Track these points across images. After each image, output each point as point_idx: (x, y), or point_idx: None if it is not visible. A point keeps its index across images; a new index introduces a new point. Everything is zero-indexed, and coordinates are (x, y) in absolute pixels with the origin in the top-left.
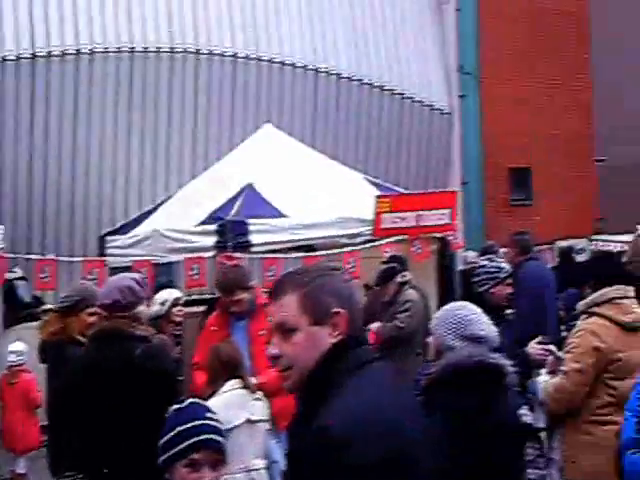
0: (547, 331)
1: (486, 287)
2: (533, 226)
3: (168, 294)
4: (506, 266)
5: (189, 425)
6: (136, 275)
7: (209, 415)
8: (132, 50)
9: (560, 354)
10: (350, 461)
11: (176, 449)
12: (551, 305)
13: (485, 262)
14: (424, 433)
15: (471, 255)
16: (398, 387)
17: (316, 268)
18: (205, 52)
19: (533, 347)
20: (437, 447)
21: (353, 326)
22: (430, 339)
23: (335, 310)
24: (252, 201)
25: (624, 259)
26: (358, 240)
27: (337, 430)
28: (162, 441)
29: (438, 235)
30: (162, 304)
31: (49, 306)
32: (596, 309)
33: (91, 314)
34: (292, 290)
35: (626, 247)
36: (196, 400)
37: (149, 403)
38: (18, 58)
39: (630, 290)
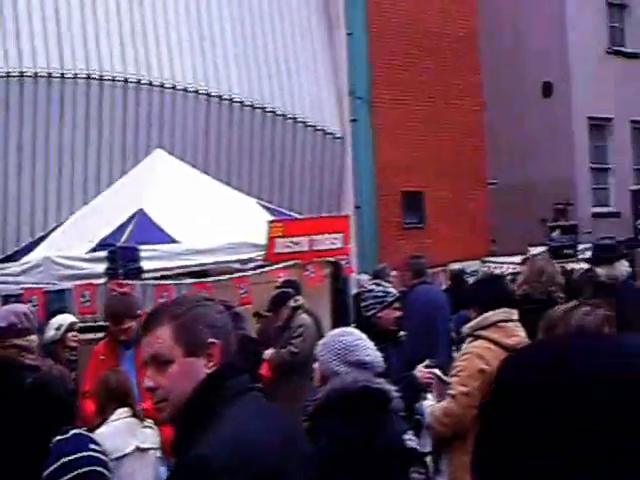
0: (438, 353)
1: (373, 311)
2: (427, 248)
3: (63, 319)
4: (393, 290)
5: (73, 457)
6: (25, 307)
7: (93, 447)
8: (22, 75)
9: (445, 378)
10: None
11: None
12: (443, 327)
13: (372, 287)
14: (304, 463)
15: (364, 278)
16: (276, 416)
17: (190, 299)
18: (96, 77)
19: (420, 370)
20: (323, 474)
21: (228, 356)
22: (316, 365)
23: (210, 341)
24: (143, 227)
25: (520, 279)
26: (250, 265)
27: (210, 460)
28: (47, 472)
29: (331, 259)
30: (57, 329)
31: None
32: (482, 332)
33: None
34: (166, 322)
35: (518, 268)
36: (80, 431)
37: (38, 432)
38: None
39: (514, 313)
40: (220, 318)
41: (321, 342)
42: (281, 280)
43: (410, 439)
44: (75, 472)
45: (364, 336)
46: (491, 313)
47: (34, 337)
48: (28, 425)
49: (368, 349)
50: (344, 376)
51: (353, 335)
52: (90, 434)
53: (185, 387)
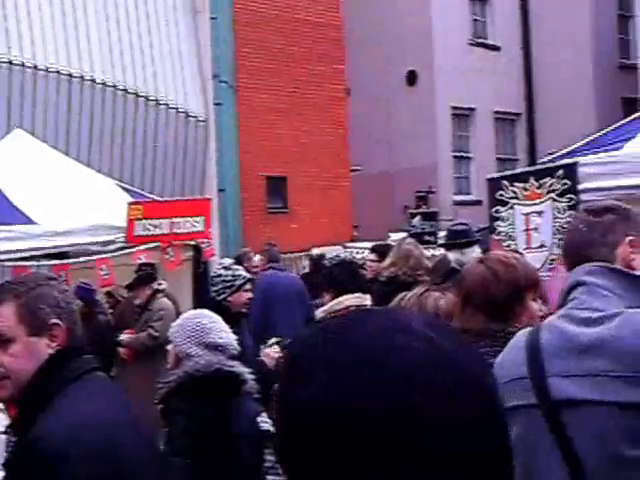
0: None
1: (223, 296)
2: (291, 234)
3: None
4: (242, 273)
5: None
6: None
7: None
8: None
9: None
10: (60, 476)
11: None
12: (284, 311)
13: (221, 271)
14: (147, 447)
15: (227, 262)
16: (119, 397)
17: (34, 278)
18: None
19: (266, 354)
20: (175, 455)
21: (72, 336)
22: (169, 347)
23: (53, 321)
24: (0, 207)
25: (387, 262)
26: (111, 247)
27: (47, 442)
28: None
29: (192, 242)
30: None
31: None
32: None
33: None
34: (9, 300)
35: (370, 255)
36: None
37: None
38: None
39: (367, 298)
40: (63, 298)
41: (175, 324)
42: (139, 263)
43: (264, 421)
44: None
45: (219, 318)
46: (343, 298)
47: None
48: None
49: (222, 332)
50: (197, 358)
51: (208, 317)
52: None
53: (27, 367)
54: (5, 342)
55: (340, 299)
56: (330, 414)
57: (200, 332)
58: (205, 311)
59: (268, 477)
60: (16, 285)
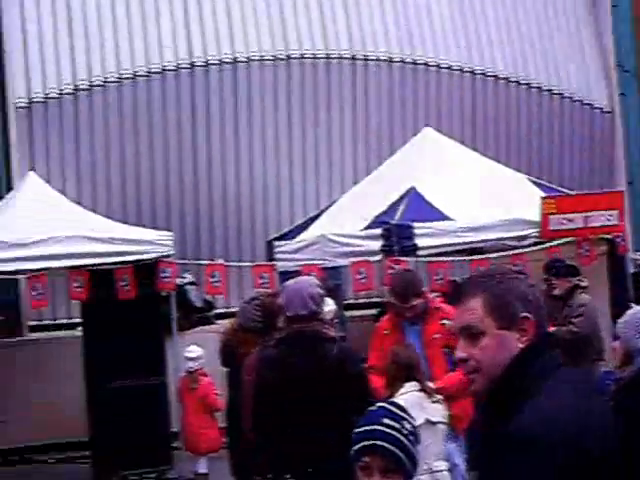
0: None
1: None
2: None
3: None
4: None
5: (362, 429)
6: (315, 285)
7: (386, 421)
8: (288, 57)
9: None
10: (549, 462)
11: (351, 451)
12: None
13: None
14: (616, 439)
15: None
16: (591, 391)
17: (501, 271)
18: (360, 58)
19: None
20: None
21: (540, 331)
22: (616, 343)
23: (523, 315)
24: (416, 205)
25: None
26: (525, 243)
27: (533, 432)
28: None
29: (607, 237)
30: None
31: (220, 310)
32: None
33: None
34: (478, 293)
35: None
36: (384, 404)
37: (342, 402)
38: (177, 68)
39: None
40: (532, 292)
41: (622, 320)
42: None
43: None
44: (361, 444)
45: None
46: None
47: (330, 309)
48: (333, 395)
49: None
50: None
51: None
52: (394, 409)
53: (498, 360)
54: (475, 335)
55: None
56: None
57: None
58: None
59: None
60: (484, 279)
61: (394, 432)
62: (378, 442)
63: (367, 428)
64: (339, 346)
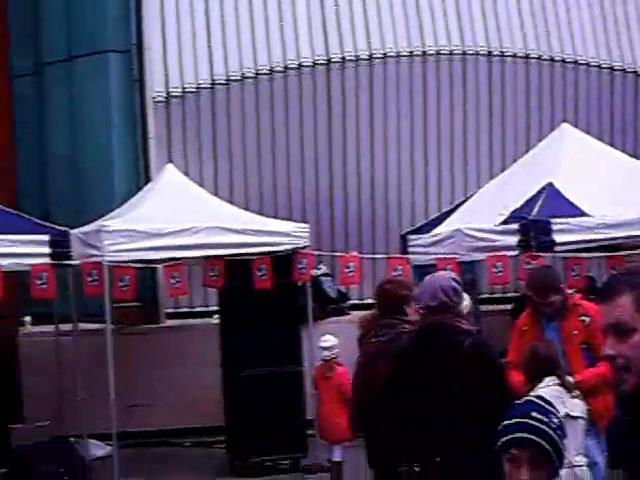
0: None
1: None
2: None
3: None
4: None
5: (511, 422)
6: (451, 280)
7: (534, 415)
8: (424, 53)
9: None
10: None
11: (499, 443)
12: None
13: None
14: None
15: None
16: None
17: None
18: (497, 54)
19: None
20: None
21: None
22: None
23: None
24: (553, 200)
25: None
26: None
27: None
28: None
29: None
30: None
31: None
32: None
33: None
34: (627, 290)
35: None
36: (532, 398)
37: (477, 393)
38: (314, 64)
39: None
40: None
41: None
42: None
43: None
44: (509, 436)
45: None
46: None
47: (465, 303)
48: (467, 385)
49: None
50: None
51: None
52: (542, 402)
53: None
54: (625, 332)
55: None
56: None
57: None
58: None
59: None
60: (632, 276)
61: (543, 425)
62: (527, 435)
63: (516, 421)
64: (474, 338)
